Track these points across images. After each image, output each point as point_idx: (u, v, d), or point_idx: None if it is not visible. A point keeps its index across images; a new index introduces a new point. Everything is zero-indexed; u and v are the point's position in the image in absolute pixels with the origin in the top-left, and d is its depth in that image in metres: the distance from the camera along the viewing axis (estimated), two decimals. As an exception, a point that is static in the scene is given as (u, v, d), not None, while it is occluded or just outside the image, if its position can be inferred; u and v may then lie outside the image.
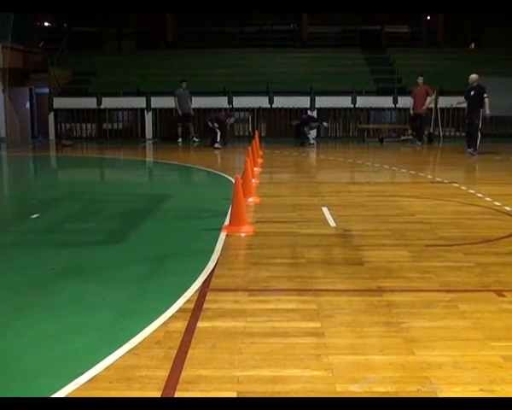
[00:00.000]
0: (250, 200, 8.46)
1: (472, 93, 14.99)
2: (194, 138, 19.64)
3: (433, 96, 18.91)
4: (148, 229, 7.04)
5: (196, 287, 4.71)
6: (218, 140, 17.34)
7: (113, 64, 22.67)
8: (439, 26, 26.61)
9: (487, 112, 14.68)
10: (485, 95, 14.71)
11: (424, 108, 18.68)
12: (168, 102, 20.66)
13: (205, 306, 4.32)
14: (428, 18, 28.03)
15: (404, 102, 20.81)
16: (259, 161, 13.33)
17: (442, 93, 20.83)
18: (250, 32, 28.48)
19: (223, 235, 6.47)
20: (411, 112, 18.93)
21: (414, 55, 23.66)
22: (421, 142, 18.89)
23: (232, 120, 18.82)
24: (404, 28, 29.28)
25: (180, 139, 19.83)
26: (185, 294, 4.53)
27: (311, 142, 18.37)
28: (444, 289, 4.66)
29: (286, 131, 20.98)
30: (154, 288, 4.78)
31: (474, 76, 15.08)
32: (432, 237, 6.45)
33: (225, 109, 19.70)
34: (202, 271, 5.13)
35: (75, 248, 6.14)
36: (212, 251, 5.79)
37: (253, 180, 9.88)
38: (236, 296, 4.52)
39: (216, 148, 17.02)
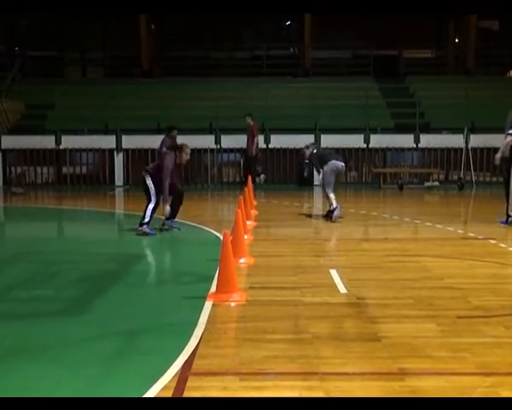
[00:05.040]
0: (242, 261, 8.42)
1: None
2: None
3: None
4: (115, 297, 6.99)
5: (175, 370, 4.65)
6: (146, 221, 11.08)
7: (75, 95, 22.97)
8: (469, 50, 27.16)
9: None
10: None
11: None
12: (142, 141, 20.85)
13: (186, 394, 4.25)
14: (456, 40, 28.65)
15: (428, 140, 21.11)
16: (253, 212, 13.38)
17: (474, 130, 21.14)
18: (241, 57, 29.04)
19: (208, 304, 6.43)
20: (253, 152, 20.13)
21: (439, 85, 24.11)
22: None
23: (185, 156, 11.38)
24: (427, 53, 29.91)
25: None
26: (161, 378, 4.47)
27: (334, 205, 13.01)
28: (481, 372, 4.62)
29: (285, 175, 21.13)
30: (123, 371, 4.72)
31: None
32: (465, 306, 6.43)
33: (174, 148, 11.56)
34: (183, 349, 5.07)
35: (24, 320, 6.07)
36: (195, 325, 5.73)
37: (246, 236, 9.89)
38: (225, 382, 4.47)
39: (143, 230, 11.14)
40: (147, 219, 11.03)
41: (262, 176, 20.36)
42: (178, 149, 11.38)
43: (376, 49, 27.33)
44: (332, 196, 13.12)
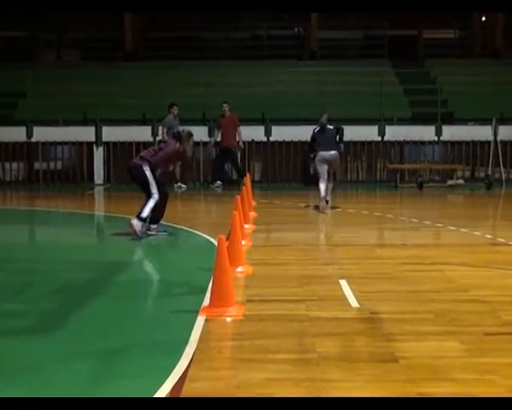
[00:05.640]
0: (239, 270, 8.45)
1: None
2: (181, 184, 19.80)
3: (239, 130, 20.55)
4: (95, 311, 6.99)
5: (163, 394, 4.64)
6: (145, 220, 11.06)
7: (49, 81, 22.95)
8: (497, 30, 27.13)
9: None
10: None
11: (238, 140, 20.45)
12: (126, 133, 20.83)
13: (175, 422, 4.26)
14: (483, 19, 28.61)
15: (451, 133, 21.09)
16: (252, 214, 13.38)
17: (503, 121, 21.14)
18: (239, 38, 28.96)
19: (201, 319, 6.43)
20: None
21: (463, 70, 24.08)
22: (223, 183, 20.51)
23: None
24: (450, 33, 29.88)
25: (180, 184, 19.99)
26: (147, 404, 4.47)
27: (322, 195, 14.35)
28: (512, 397, 4.62)
29: (288, 173, 21.12)
30: (103, 396, 4.70)
31: None
32: (493, 322, 6.43)
33: (158, 143, 13.80)
34: (171, 371, 5.07)
35: (-8, 338, 6.07)
36: (186, 343, 5.73)
37: (244, 242, 9.88)
38: (219, 408, 4.46)
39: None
40: (145, 214, 10.84)
41: (218, 182, 20.66)
42: (183, 138, 11.34)
43: (392, 28, 27.25)
44: (322, 186, 14.33)
